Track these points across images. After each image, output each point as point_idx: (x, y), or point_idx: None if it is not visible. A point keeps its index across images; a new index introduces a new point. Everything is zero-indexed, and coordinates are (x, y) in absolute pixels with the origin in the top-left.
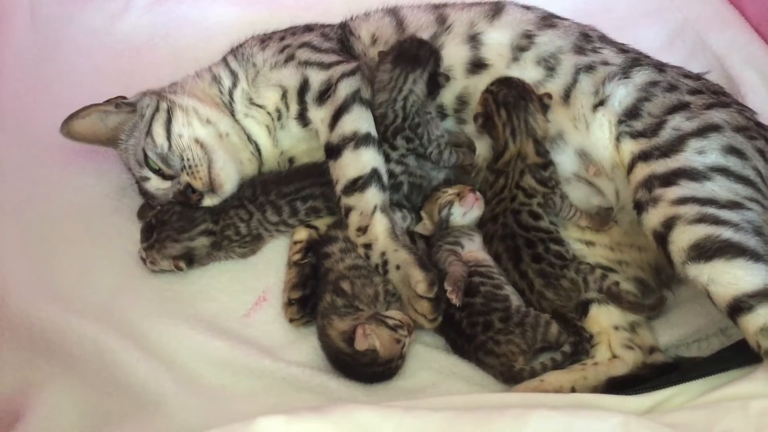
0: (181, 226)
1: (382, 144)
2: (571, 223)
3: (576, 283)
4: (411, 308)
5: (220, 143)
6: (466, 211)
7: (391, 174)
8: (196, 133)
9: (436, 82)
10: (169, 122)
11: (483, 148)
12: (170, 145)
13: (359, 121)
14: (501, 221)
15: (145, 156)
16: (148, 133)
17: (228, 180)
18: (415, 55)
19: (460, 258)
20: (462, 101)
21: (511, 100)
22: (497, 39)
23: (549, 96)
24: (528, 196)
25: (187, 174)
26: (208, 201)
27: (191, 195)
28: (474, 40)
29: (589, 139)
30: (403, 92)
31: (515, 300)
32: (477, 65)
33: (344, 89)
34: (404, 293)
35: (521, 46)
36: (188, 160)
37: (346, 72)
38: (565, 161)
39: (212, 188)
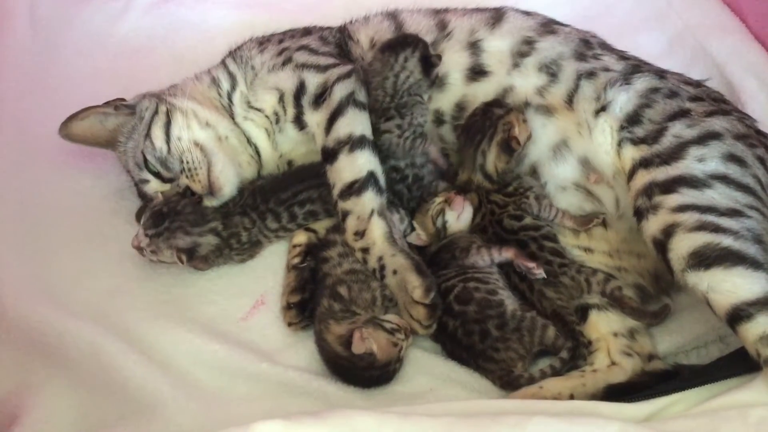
0: (195, 219)
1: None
2: (556, 224)
3: (577, 281)
4: (407, 314)
5: (219, 146)
6: (458, 213)
7: (396, 168)
8: (195, 136)
9: (429, 63)
10: (168, 125)
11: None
12: (169, 148)
13: (354, 124)
14: (490, 231)
15: (144, 159)
16: (147, 135)
17: (227, 183)
18: (402, 41)
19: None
20: (461, 108)
21: (471, 130)
22: (498, 46)
23: (518, 142)
24: (501, 207)
25: (186, 177)
26: (207, 204)
27: (191, 198)
28: (474, 47)
29: (591, 144)
30: (395, 69)
31: (510, 304)
32: (477, 72)
33: (339, 92)
34: (400, 298)
35: (522, 52)
36: (187, 163)
37: (342, 75)
38: (566, 170)
39: (211, 191)
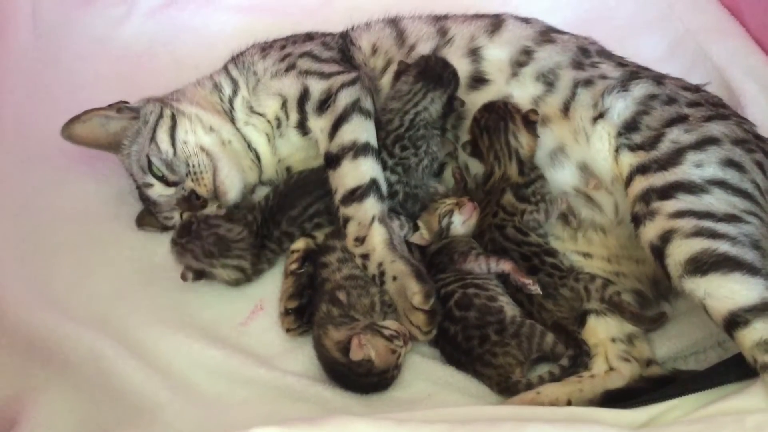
0: (210, 251)
1: (380, 151)
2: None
3: (577, 291)
4: (406, 320)
5: (223, 150)
6: (465, 219)
7: (387, 182)
8: (200, 140)
9: (451, 105)
10: (173, 129)
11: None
12: (175, 152)
13: (358, 130)
14: (488, 236)
15: (149, 162)
16: (153, 139)
17: (232, 188)
18: (439, 75)
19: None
20: (459, 117)
21: (491, 125)
22: (497, 55)
23: (534, 112)
24: (508, 214)
25: (192, 180)
26: (212, 208)
27: (195, 201)
28: (474, 54)
29: (589, 151)
30: (418, 107)
31: (510, 310)
32: (477, 80)
33: (344, 99)
34: (400, 304)
35: (520, 61)
36: (194, 166)
37: (346, 82)
38: (566, 175)
39: (216, 195)
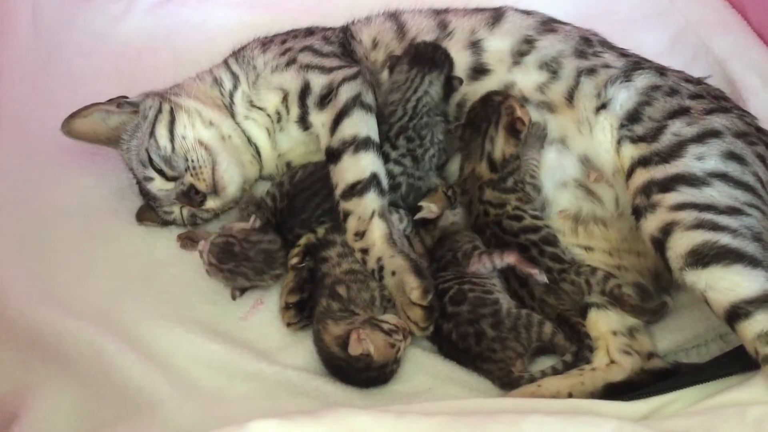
0: (262, 268)
1: (383, 144)
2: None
3: (578, 285)
4: (404, 315)
5: (223, 145)
6: None
7: (390, 174)
8: (199, 135)
9: (450, 86)
10: (172, 124)
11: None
12: (173, 147)
13: (359, 125)
14: (489, 232)
15: (149, 157)
16: (152, 134)
17: (231, 182)
18: (431, 57)
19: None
20: (460, 106)
21: (476, 121)
22: (498, 46)
23: (522, 122)
24: (499, 206)
25: (191, 175)
26: (211, 203)
27: (195, 196)
28: (475, 46)
29: (592, 143)
30: (417, 93)
31: (505, 303)
32: (478, 71)
33: (345, 93)
34: (398, 299)
35: (522, 51)
36: (192, 161)
37: (348, 76)
38: (567, 166)
39: (215, 190)
